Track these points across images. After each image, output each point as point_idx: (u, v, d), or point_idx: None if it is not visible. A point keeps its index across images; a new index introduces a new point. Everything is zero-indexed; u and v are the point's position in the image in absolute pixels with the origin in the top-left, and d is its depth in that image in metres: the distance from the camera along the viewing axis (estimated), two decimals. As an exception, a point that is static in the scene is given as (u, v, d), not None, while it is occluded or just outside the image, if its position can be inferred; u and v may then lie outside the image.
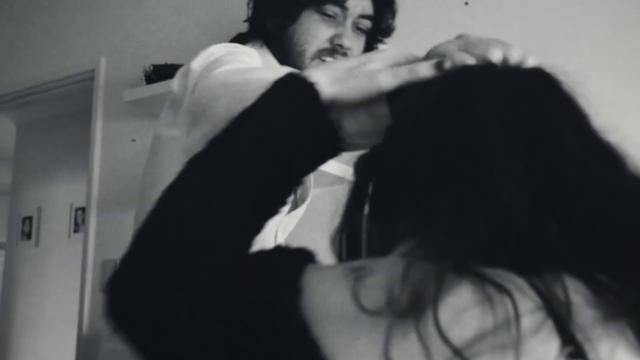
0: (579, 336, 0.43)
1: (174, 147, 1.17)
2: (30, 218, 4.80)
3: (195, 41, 2.72)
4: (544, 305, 0.43)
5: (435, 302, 0.42)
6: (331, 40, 1.28)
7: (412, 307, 0.42)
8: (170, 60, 2.69)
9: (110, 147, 2.91)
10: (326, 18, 1.28)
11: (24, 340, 4.58)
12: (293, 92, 0.61)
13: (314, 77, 0.62)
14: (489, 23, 2.10)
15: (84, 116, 4.46)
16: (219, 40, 2.57)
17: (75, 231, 4.56)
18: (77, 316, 2.87)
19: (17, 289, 4.75)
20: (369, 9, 1.32)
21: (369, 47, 1.34)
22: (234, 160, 0.58)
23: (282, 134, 0.58)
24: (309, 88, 0.60)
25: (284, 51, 1.30)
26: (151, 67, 2.49)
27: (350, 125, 0.63)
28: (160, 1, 2.86)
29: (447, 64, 0.60)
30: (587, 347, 0.43)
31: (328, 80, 0.63)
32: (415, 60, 0.65)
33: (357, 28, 1.31)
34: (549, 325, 0.43)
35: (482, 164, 0.49)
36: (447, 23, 2.16)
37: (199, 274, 0.51)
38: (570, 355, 0.43)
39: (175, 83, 1.26)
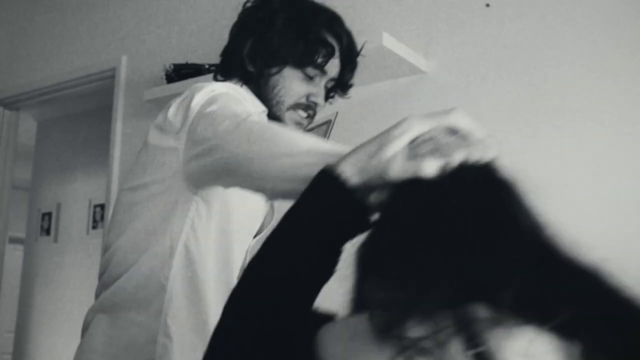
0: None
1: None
2: (49, 214, 4.85)
3: (215, 41, 2.73)
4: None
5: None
6: (307, 97, 1.43)
7: None
8: (191, 59, 2.71)
9: (129, 145, 2.94)
10: (306, 77, 1.41)
11: (42, 334, 4.63)
12: (330, 189, 0.79)
13: (344, 173, 0.79)
14: (507, 24, 2.10)
15: (104, 114, 4.50)
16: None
17: (94, 227, 4.60)
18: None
19: (36, 283, 4.80)
20: (337, 71, 1.49)
21: (326, 98, 1.52)
22: (296, 248, 0.76)
23: (327, 222, 0.77)
24: (342, 186, 0.78)
25: (261, 94, 1.41)
26: (172, 66, 2.51)
27: (375, 198, 0.80)
28: (181, 1, 2.88)
29: (447, 168, 0.75)
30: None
31: (354, 171, 0.80)
32: (435, 137, 0.80)
33: (324, 86, 1.47)
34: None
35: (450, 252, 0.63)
36: (466, 24, 2.17)
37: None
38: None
39: (171, 111, 1.30)
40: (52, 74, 3.30)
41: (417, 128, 0.83)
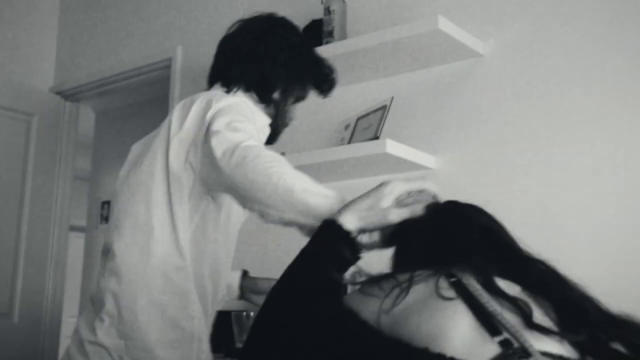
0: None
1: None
2: (108, 202, 4.97)
3: (269, 28, 2.75)
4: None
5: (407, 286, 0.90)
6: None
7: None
8: (245, 47, 2.73)
9: (186, 134, 2.98)
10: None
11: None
12: (333, 237, 1.08)
13: (346, 223, 1.08)
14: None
15: (160, 103, 4.58)
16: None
17: (151, 215, 4.70)
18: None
19: (97, 269, 4.93)
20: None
21: None
22: (305, 286, 1.03)
23: (328, 264, 1.06)
24: (345, 235, 1.08)
25: (269, 113, 1.69)
26: (227, 55, 2.53)
27: (367, 240, 1.12)
28: (234, -11, 2.91)
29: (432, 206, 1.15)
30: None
31: (354, 219, 1.08)
32: (412, 195, 1.16)
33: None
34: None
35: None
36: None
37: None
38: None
39: (175, 114, 1.53)
40: (110, 66, 3.37)
41: (400, 188, 1.14)
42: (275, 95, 1.67)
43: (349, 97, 2.46)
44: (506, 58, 2.15)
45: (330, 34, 2.30)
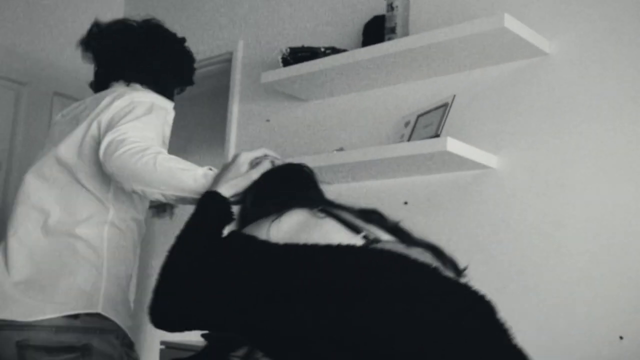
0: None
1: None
2: (165, 193, 5.05)
3: (331, 24, 2.75)
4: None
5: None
6: None
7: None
8: (307, 42, 2.74)
9: (245, 127, 3.01)
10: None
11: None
12: (213, 202, 1.44)
13: (223, 192, 1.45)
14: None
15: (220, 97, 4.63)
16: (353, 23, 2.58)
17: (207, 207, 4.76)
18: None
19: (154, 260, 5.03)
20: None
21: None
22: (194, 239, 1.36)
23: (211, 221, 1.40)
24: (222, 200, 1.44)
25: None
26: (288, 50, 2.55)
27: (235, 199, 1.48)
28: (296, -16, 2.92)
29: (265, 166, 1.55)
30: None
31: (229, 188, 1.47)
32: (259, 158, 1.56)
33: None
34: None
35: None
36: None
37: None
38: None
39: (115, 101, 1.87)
40: (172, 58, 3.42)
41: (249, 155, 1.56)
42: (171, 85, 2.12)
43: (410, 94, 2.44)
44: (572, 57, 2.10)
45: (393, 30, 2.29)
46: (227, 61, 3.17)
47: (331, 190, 2.59)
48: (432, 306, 1.06)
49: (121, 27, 2.06)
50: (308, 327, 1.04)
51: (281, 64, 2.56)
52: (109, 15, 3.71)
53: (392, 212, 2.38)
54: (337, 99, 2.66)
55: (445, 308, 1.07)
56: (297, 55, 2.52)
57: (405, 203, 2.38)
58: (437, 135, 2.12)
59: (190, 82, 2.29)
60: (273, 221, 1.21)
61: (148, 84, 2.00)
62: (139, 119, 1.76)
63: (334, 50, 2.47)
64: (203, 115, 4.90)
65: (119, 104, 1.82)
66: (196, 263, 1.24)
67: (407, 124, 2.35)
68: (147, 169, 1.59)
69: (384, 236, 1.24)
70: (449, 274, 1.21)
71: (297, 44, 2.73)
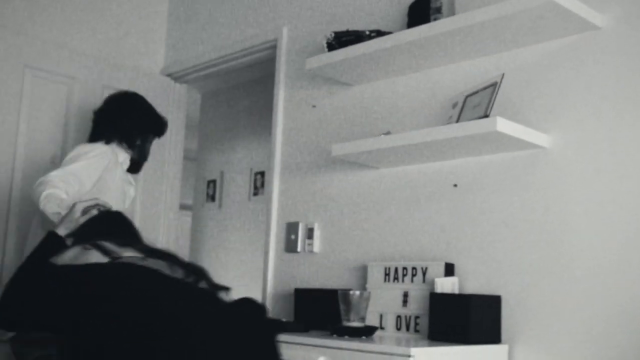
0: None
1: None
2: (214, 181, 5.12)
3: (375, 7, 2.73)
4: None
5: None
6: None
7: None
8: (351, 26, 2.72)
9: (291, 113, 3.02)
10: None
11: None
12: (51, 238, 1.92)
13: (59, 231, 1.95)
14: None
15: (264, 84, 4.65)
16: (398, 5, 2.55)
17: (255, 194, 4.80)
18: (262, 275, 3.04)
19: (204, 247, 5.11)
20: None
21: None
22: (31, 263, 1.78)
23: (45, 252, 1.82)
24: (57, 238, 1.92)
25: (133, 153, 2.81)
26: (333, 34, 2.54)
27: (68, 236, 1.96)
28: (338, -32, 2.90)
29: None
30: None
31: (64, 228, 1.97)
32: (94, 206, 2.08)
33: None
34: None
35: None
36: None
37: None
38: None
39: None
40: (217, 48, 3.45)
41: (83, 205, 2.04)
42: (137, 142, 2.79)
43: (457, 75, 2.41)
44: (626, 31, 2.03)
45: (439, 10, 2.25)
46: (271, 48, 3.18)
47: (378, 175, 2.59)
48: (155, 300, 1.53)
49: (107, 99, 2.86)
50: (77, 324, 1.51)
51: (326, 49, 2.55)
52: (154, 7, 3.77)
53: (441, 195, 2.37)
54: (382, 82, 2.64)
55: (166, 300, 1.54)
56: (342, 39, 2.51)
57: (455, 185, 2.35)
58: (486, 116, 2.09)
59: (160, 134, 2.93)
60: (60, 253, 1.75)
61: (114, 139, 2.71)
62: (67, 165, 2.52)
63: (379, 33, 2.45)
64: (250, 103, 4.94)
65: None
66: (24, 280, 1.67)
67: (455, 105, 2.32)
68: (35, 199, 2.35)
69: (130, 254, 1.72)
70: (178, 275, 1.67)
71: (341, 28, 2.71)
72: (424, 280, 2.30)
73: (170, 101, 3.69)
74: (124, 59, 3.62)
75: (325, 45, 2.55)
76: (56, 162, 3.19)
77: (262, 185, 4.74)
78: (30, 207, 2.95)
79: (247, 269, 4.77)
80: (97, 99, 3.35)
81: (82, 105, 3.32)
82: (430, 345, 1.97)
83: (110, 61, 3.47)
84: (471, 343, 2.02)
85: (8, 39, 3.11)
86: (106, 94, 3.38)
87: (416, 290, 2.31)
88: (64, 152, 3.23)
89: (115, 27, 3.62)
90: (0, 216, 3.03)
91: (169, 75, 3.71)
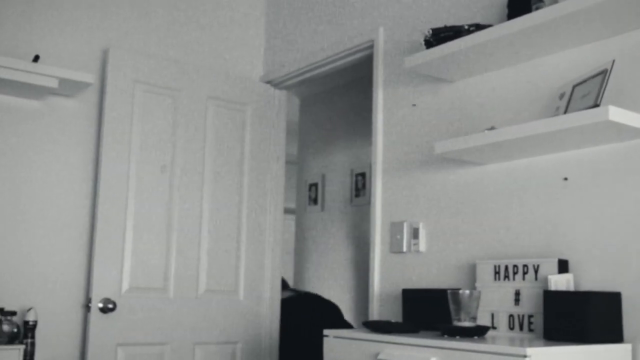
0: None
1: None
2: (315, 185, 5.17)
3: (471, 0, 2.68)
4: None
5: None
6: None
7: None
8: (448, 22, 2.69)
9: (391, 113, 3.00)
10: None
11: (314, 290, 4.99)
12: None
13: None
14: None
15: (360, 85, 4.66)
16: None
17: (356, 195, 4.82)
18: (368, 276, 3.04)
19: (308, 249, 5.17)
20: None
21: None
22: None
23: None
24: None
25: None
26: (430, 31, 2.51)
27: None
28: (433, -36, 2.86)
29: None
30: None
31: None
32: None
33: None
34: None
35: None
36: None
37: None
38: None
39: None
40: (314, 52, 3.49)
41: None
42: None
43: (563, 64, 2.32)
44: None
45: (540, -2, 2.18)
46: (368, 49, 3.18)
47: (483, 171, 2.53)
48: None
49: None
50: None
51: (424, 47, 2.53)
52: (251, 15, 3.86)
53: (551, 189, 2.29)
54: (484, 76, 2.59)
55: None
56: (440, 35, 2.48)
57: (565, 179, 2.27)
58: (596, 105, 2.00)
59: None
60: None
61: None
62: None
63: (478, 27, 2.40)
64: (348, 105, 4.96)
65: None
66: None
67: (562, 95, 2.24)
68: None
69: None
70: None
71: (438, 24, 2.68)
72: (536, 278, 2.23)
73: (271, 108, 3.76)
74: (225, 68, 3.73)
75: (423, 42, 2.53)
76: (166, 171, 3.33)
77: (364, 186, 4.75)
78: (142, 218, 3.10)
79: (352, 271, 4.79)
80: (202, 110, 3.48)
81: (188, 116, 3.44)
82: (546, 345, 1.91)
83: (212, 71, 3.57)
84: (590, 342, 1.94)
85: (119, 56, 3.27)
86: (210, 104, 3.51)
87: (528, 288, 2.24)
88: (173, 162, 3.36)
89: (215, 35, 3.74)
90: (117, 224, 3.19)
91: (268, 82, 3.78)
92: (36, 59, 3.00)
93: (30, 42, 3.17)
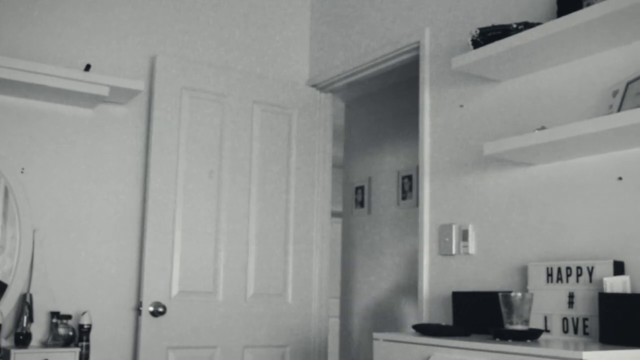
0: None
1: None
2: (362, 188, 5.16)
3: (519, -2, 2.64)
4: None
5: None
6: None
7: None
8: (495, 21, 2.65)
9: (438, 114, 2.98)
10: None
11: (361, 295, 4.97)
12: None
13: None
14: None
15: (406, 87, 4.64)
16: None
17: (403, 198, 4.79)
18: (417, 280, 3.01)
19: (356, 252, 5.16)
20: None
21: None
22: None
23: None
24: None
25: None
26: (477, 31, 2.48)
27: None
28: (479, -37, 2.83)
29: None
30: None
31: None
32: None
33: None
34: None
35: None
36: None
37: None
38: None
39: None
40: (359, 55, 3.48)
41: None
42: None
43: (615, 61, 2.27)
44: None
45: (592, -6, 2.13)
46: (414, 50, 3.16)
47: (533, 172, 2.49)
48: None
49: None
50: None
51: (471, 47, 2.50)
52: (296, 19, 3.88)
53: (604, 189, 2.24)
54: (533, 75, 2.55)
55: None
56: (488, 35, 2.45)
57: (620, 178, 2.21)
58: (652, 102, 1.95)
59: None
60: None
61: None
62: None
63: (527, 25, 2.36)
64: (393, 107, 4.94)
65: None
66: None
67: (615, 93, 2.18)
68: None
69: None
70: None
71: (484, 24, 2.65)
72: (590, 280, 2.18)
73: (317, 111, 3.77)
74: (271, 73, 3.75)
75: (470, 42, 2.50)
76: (213, 176, 3.36)
77: (410, 189, 4.71)
78: (190, 222, 3.14)
79: (400, 274, 4.76)
80: (248, 114, 3.51)
81: (234, 121, 3.47)
82: (602, 349, 1.86)
83: (257, 75, 3.60)
84: (649, 346, 1.89)
85: (167, 63, 3.32)
86: (256, 108, 3.53)
87: (583, 290, 2.19)
88: (220, 167, 3.40)
89: (260, 41, 3.76)
90: (166, 229, 3.23)
91: (314, 86, 3.79)
92: (87, 68, 3.06)
93: (81, 52, 3.24)
